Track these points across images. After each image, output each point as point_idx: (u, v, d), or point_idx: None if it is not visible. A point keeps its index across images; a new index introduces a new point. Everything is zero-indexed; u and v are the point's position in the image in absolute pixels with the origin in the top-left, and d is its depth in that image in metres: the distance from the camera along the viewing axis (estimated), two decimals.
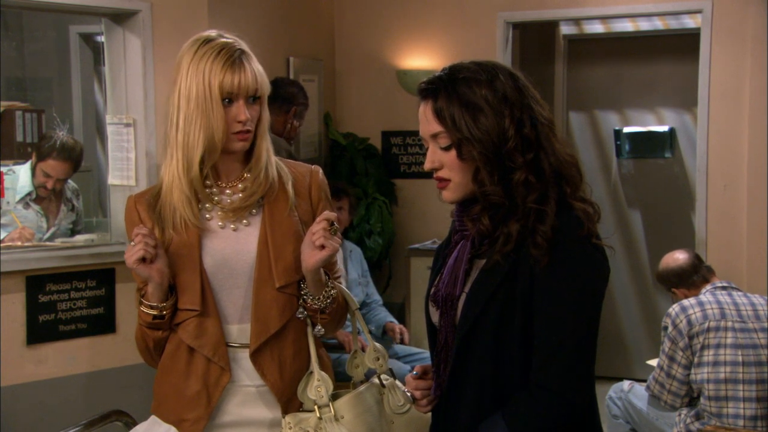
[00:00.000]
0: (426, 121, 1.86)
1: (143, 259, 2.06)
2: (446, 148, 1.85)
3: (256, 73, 2.14)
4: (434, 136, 1.86)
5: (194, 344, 2.15)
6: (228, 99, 2.11)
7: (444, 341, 1.91)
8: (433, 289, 1.97)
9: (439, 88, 1.84)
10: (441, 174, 1.87)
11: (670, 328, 3.86)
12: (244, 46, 2.17)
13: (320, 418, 2.10)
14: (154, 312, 2.13)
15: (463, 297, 1.88)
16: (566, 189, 1.84)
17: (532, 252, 1.78)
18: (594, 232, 1.82)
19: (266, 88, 2.18)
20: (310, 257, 2.09)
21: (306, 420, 2.11)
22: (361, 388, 2.20)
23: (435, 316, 1.96)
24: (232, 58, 2.11)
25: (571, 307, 1.78)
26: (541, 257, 1.77)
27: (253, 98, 2.15)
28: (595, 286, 1.82)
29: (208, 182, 2.19)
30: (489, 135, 1.80)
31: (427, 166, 1.88)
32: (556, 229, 1.78)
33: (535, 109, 1.85)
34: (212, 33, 2.17)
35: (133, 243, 2.07)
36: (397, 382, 2.23)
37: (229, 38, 2.16)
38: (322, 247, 2.06)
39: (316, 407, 2.12)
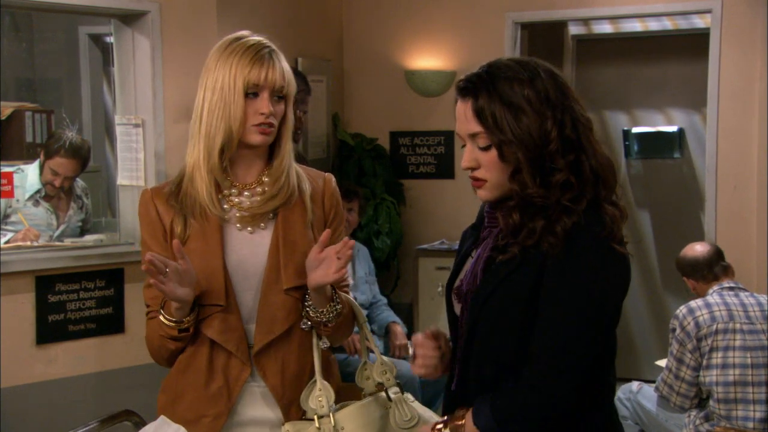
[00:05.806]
0: (465, 120, 1.83)
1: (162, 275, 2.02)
2: (485, 149, 1.81)
3: (284, 70, 2.17)
4: (473, 136, 1.82)
5: (219, 339, 2.14)
6: (254, 93, 2.13)
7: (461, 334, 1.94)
8: (457, 282, 1.97)
9: (480, 87, 1.80)
10: (477, 174, 1.84)
11: (677, 330, 3.85)
12: (274, 46, 2.20)
13: (319, 428, 2.09)
14: (180, 326, 2.12)
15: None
16: (601, 191, 1.82)
17: (548, 239, 1.76)
18: (617, 236, 1.80)
19: (292, 88, 2.20)
20: (318, 277, 2.08)
21: (305, 429, 2.10)
22: (366, 400, 2.18)
23: (457, 309, 1.97)
24: (261, 53, 2.14)
25: (570, 309, 1.76)
26: (555, 245, 1.75)
27: (279, 96, 2.17)
28: (603, 291, 1.78)
29: (228, 180, 2.20)
30: (531, 136, 1.76)
31: (464, 165, 1.85)
32: (577, 225, 1.76)
33: (576, 109, 1.82)
34: (244, 32, 2.20)
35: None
36: (407, 395, 2.20)
37: (260, 37, 2.19)
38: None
39: (315, 417, 2.11)
